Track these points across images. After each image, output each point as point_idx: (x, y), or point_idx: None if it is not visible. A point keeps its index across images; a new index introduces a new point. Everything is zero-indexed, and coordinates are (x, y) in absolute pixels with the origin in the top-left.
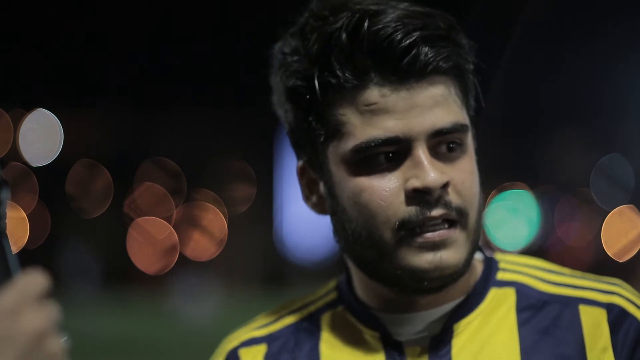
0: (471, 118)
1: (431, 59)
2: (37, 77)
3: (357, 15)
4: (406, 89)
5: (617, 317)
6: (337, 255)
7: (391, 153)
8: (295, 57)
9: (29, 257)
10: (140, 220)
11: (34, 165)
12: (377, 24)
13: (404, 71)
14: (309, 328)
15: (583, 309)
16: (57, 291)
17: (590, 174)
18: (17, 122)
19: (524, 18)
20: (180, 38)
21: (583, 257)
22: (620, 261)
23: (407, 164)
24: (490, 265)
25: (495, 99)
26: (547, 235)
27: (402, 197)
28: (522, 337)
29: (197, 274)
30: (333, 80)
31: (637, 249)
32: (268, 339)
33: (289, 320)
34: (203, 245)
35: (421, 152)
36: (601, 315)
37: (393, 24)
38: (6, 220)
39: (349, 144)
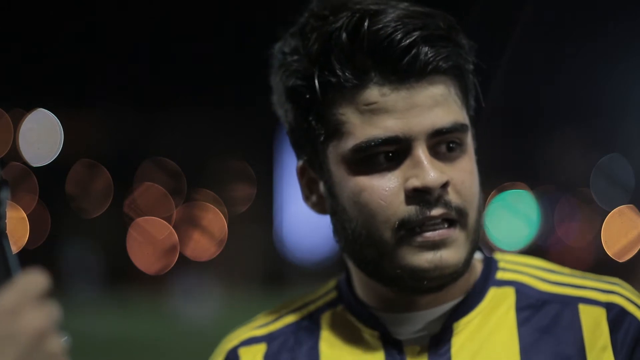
0: (471, 118)
1: (431, 59)
2: (37, 77)
3: (357, 15)
4: (406, 88)
5: (616, 316)
6: (337, 255)
7: (391, 152)
8: (295, 57)
9: (29, 257)
10: (140, 220)
11: (34, 165)
12: (377, 23)
13: (404, 71)
14: (308, 327)
15: (583, 308)
16: (57, 291)
17: (590, 174)
18: (17, 122)
19: (524, 18)
20: (180, 38)
21: (583, 257)
22: (620, 261)
23: (407, 163)
24: (490, 265)
25: (495, 99)
26: (547, 235)
27: (402, 197)
28: (521, 336)
29: (197, 274)
30: (333, 80)
31: (637, 249)
32: (268, 338)
33: (288, 319)
34: (203, 245)
35: (421, 152)
36: (601, 314)
37: (393, 24)
38: (6, 220)
39: (349, 143)
